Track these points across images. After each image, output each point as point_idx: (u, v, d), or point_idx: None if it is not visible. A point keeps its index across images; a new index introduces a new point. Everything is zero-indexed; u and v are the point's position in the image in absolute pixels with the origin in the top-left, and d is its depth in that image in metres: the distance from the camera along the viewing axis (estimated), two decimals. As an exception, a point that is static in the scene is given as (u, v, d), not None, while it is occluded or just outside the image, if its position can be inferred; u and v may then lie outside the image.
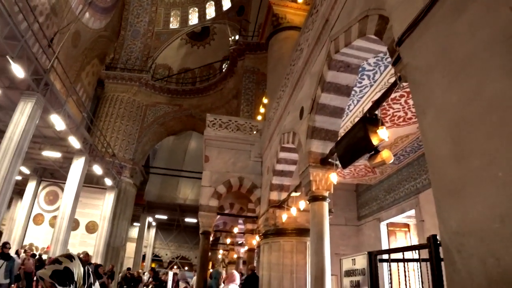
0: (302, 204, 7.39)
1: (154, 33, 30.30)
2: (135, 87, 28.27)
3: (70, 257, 1.85)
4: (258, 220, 10.47)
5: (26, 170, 22.37)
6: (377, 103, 4.27)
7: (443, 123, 2.38)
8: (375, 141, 3.96)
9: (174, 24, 30.61)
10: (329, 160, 5.73)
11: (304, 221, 8.61)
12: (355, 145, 4.34)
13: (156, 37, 30.41)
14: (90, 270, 1.87)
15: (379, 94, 5.56)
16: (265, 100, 16.19)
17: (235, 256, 18.95)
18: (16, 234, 21.01)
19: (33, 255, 14.63)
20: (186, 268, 32.70)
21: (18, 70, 11.56)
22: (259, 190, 10.86)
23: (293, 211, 8.00)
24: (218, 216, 15.90)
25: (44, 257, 16.18)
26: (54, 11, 21.03)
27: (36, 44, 14.43)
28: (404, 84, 3.84)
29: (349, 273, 4.37)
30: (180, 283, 12.43)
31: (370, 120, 4.08)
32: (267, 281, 8.59)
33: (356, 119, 7.01)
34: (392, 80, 4.74)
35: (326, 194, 5.81)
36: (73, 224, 20.88)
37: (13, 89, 13.44)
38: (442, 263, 2.69)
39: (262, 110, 18.05)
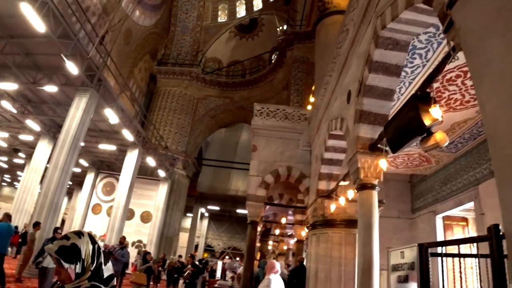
0: (351, 193, 7.04)
1: (203, 28, 30.72)
2: (186, 81, 28.90)
3: (79, 233, 1.73)
4: (307, 210, 10.22)
5: (84, 163, 23.75)
6: (429, 79, 3.87)
7: (503, 91, 2.06)
8: (427, 121, 3.57)
9: (222, 17, 30.84)
10: (378, 145, 5.37)
11: (353, 212, 8.25)
12: (405, 127, 3.97)
13: (205, 31, 30.81)
14: (101, 248, 1.76)
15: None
16: (313, 88, 15.83)
17: (285, 247, 18.81)
18: (76, 223, 22.36)
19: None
20: (238, 258, 33.12)
21: (72, 68, 12.17)
22: (308, 180, 10.59)
23: (342, 201, 7.68)
24: (268, 207, 15.90)
25: (101, 244, 16.93)
26: (105, 11, 21.87)
27: (89, 43, 15.07)
28: (456, 58, 3.43)
29: (396, 267, 4.02)
30: (227, 272, 12.59)
31: (421, 98, 3.67)
32: (314, 273, 8.33)
33: (409, 103, 6.54)
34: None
35: (375, 182, 5.45)
36: (128, 214, 21.89)
37: (69, 85, 14.19)
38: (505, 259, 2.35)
39: (312, 99, 17.68)
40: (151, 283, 12.54)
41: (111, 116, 15.29)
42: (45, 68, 14.09)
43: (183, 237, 31.48)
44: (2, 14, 11.36)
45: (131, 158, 19.03)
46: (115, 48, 24.35)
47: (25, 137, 21.08)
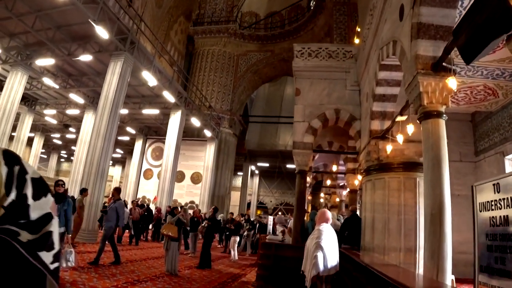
0: (411, 128, 6.08)
1: (237, -19, 29.26)
2: (224, 39, 28.03)
3: None
4: (359, 156, 9.34)
5: (132, 131, 24.16)
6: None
7: None
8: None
9: (255, -32, 29.14)
10: (443, 64, 4.38)
11: (412, 153, 7.30)
12: (485, 23, 2.99)
13: (239, -16, 29.34)
14: (29, 176, 0.98)
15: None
16: (358, 29, 14.38)
17: (337, 199, 18.09)
18: (130, 189, 23.01)
19: (141, 205, 15.67)
20: (289, 214, 33.08)
21: (102, 32, 11.84)
22: (358, 122, 9.61)
23: (400, 138, 6.74)
24: (317, 156, 15.12)
25: (152, 207, 17.30)
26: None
27: (119, 10, 14.70)
28: None
29: (489, 205, 3.14)
30: (278, 226, 12.20)
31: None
32: (370, 223, 7.56)
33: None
34: None
35: (442, 109, 4.50)
36: (179, 176, 22.19)
37: (103, 52, 13.96)
38: None
39: (356, 41, 16.34)
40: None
41: (149, 78, 15.06)
42: (78, 39, 13.91)
43: (235, 196, 31.78)
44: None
45: (174, 120, 18.95)
46: (147, 13, 23.86)
47: (72, 112, 21.59)
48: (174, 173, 18.63)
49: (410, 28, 4.76)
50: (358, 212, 9.76)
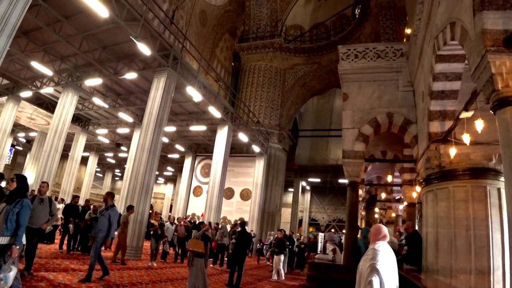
0: (480, 124, 5.11)
1: (278, -4, 29.08)
2: (270, 53, 27.80)
3: None
4: (417, 164, 8.34)
5: (181, 148, 24.46)
6: None
7: None
8: None
9: (296, -19, 28.83)
10: (519, 38, 3.53)
11: (480, 157, 6.30)
12: None
13: (281, -1, 29.15)
14: None
15: None
16: (408, 31, 13.37)
17: (393, 214, 16.70)
18: (180, 206, 22.99)
19: (190, 222, 15.38)
20: (344, 231, 31.50)
21: (144, 49, 11.90)
22: (415, 126, 8.62)
23: (465, 139, 5.78)
24: (370, 167, 14.04)
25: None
26: (178, -1, 21.68)
27: (161, 26, 14.92)
28: None
29: None
30: (328, 244, 11.20)
31: None
32: (433, 240, 6.50)
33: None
34: None
35: (522, 93, 3.62)
36: (228, 193, 21.92)
37: (146, 69, 14.09)
38: None
39: (408, 31, 15.35)
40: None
41: (194, 93, 14.99)
42: (123, 57, 14.16)
43: (286, 213, 30.94)
44: (72, 11, 11.40)
45: (221, 136, 18.76)
46: (192, 31, 24.24)
47: (122, 130, 22.15)
48: (222, 190, 18.30)
49: (471, 1, 3.94)
50: (416, 227, 8.64)
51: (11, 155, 36.26)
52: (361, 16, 24.37)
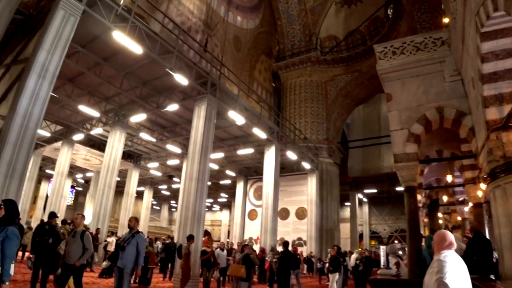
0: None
1: (308, 10, 28.98)
2: (308, 68, 27.66)
3: None
4: (478, 158, 7.56)
5: (232, 173, 24.60)
6: None
7: None
8: None
9: (322, -8, 28.69)
10: None
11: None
12: None
13: (311, 12, 28.99)
14: None
15: None
16: (446, 20, 12.60)
17: (458, 218, 15.34)
18: (236, 231, 22.84)
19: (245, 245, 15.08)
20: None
21: (181, 79, 12.14)
22: (469, 117, 7.87)
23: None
24: (426, 170, 13.10)
25: (256, 247, 16.70)
26: (207, 25, 22.16)
27: (200, 59, 15.33)
28: None
29: None
30: (390, 258, 10.33)
31: None
32: (509, 242, 5.73)
33: None
34: None
35: None
36: (283, 213, 21.50)
37: (187, 99, 14.34)
38: None
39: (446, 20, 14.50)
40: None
41: (236, 117, 15.04)
42: (163, 90, 14.52)
43: (345, 228, 29.86)
44: (109, 53, 11.91)
45: (269, 156, 18.60)
46: (228, 57, 24.63)
47: (172, 162, 22.62)
48: (276, 211, 17.97)
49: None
50: (487, 230, 7.73)
51: (73, 196, 38.39)
52: (394, 15, 23.62)
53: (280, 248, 13.38)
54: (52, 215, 7.16)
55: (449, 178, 12.20)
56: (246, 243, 10.60)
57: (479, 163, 7.63)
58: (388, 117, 9.31)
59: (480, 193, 10.27)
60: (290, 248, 10.90)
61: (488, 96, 6.16)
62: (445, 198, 14.84)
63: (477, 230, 7.09)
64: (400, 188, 28.54)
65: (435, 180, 15.33)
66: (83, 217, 6.59)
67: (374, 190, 33.09)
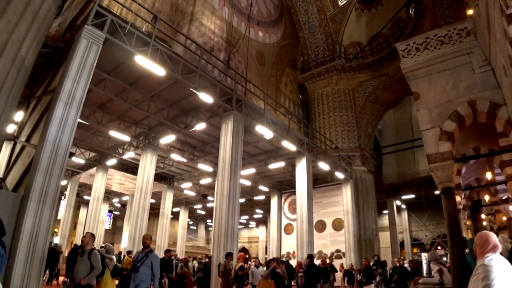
0: None
1: (328, 19, 29.03)
2: (334, 77, 27.48)
3: None
4: (520, 150, 7.12)
5: (265, 188, 24.48)
6: None
7: None
8: None
9: (341, 0, 28.57)
10: None
11: None
12: None
13: (332, 21, 29.02)
14: None
15: None
16: (470, 11, 12.15)
17: (504, 218, 14.41)
18: (273, 246, 22.56)
19: (282, 262, 14.79)
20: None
21: (205, 97, 12.29)
22: (505, 108, 7.41)
23: None
24: (464, 170, 12.44)
25: (293, 262, 16.39)
26: (229, 43, 22.43)
27: (226, 77, 15.53)
28: None
29: None
30: (432, 265, 9.74)
31: None
32: None
33: None
34: None
35: None
36: (320, 226, 21.13)
37: (213, 117, 14.48)
38: None
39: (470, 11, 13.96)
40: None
41: (264, 131, 14.98)
42: (190, 110, 14.73)
43: (385, 237, 28.91)
44: (134, 78, 12.24)
45: (301, 168, 18.37)
46: (253, 73, 24.78)
47: (205, 181, 22.77)
48: (311, 223, 17.63)
49: None
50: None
51: (111, 220, 39.30)
52: (417, 14, 23.14)
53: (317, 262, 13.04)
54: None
55: (489, 176, 11.54)
56: (271, 258, 10.31)
57: (521, 156, 7.17)
58: (418, 116, 8.96)
59: (526, 189, 9.65)
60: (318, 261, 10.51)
61: (522, 82, 5.79)
62: (487, 198, 14.03)
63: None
64: (438, 192, 27.55)
65: (474, 180, 14.55)
66: (92, 236, 6.54)
67: (412, 196, 31.96)
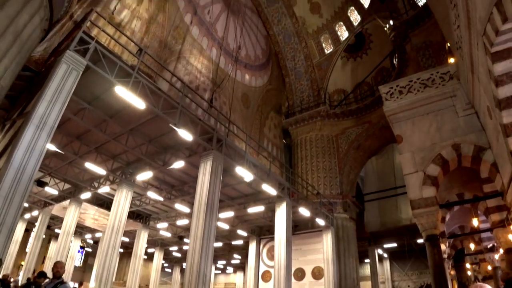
0: None
1: (315, 66, 29.80)
2: (318, 123, 27.66)
3: None
4: (505, 197, 6.91)
5: (243, 233, 23.74)
6: None
7: None
8: None
9: (328, 48, 29.50)
10: None
11: None
12: None
13: (318, 68, 29.75)
14: None
15: None
16: (451, 60, 12.43)
17: (489, 267, 14.11)
18: (250, 293, 21.55)
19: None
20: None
21: (185, 134, 11.97)
22: (490, 152, 7.29)
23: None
24: (448, 217, 12.19)
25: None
26: (215, 83, 22.64)
27: (209, 117, 15.32)
28: None
29: None
30: None
31: None
32: None
33: None
34: None
35: None
36: (299, 274, 20.32)
37: (193, 156, 14.10)
38: None
39: (451, 60, 14.40)
40: None
41: (244, 173, 14.57)
42: (169, 148, 14.35)
43: (366, 286, 28.00)
44: (115, 110, 11.87)
45: (280, 213, 17.84)
46: (237, 115, 24.85)
47: (182, 222, 21.98)
48: (289, 271, 16.90)
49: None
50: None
51: (82, 257, 37.37)
52: (400, 63, 23.82)
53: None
54: (41, 274, 6.61)
55: (475, 222, 11.28)
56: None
57: (507, 202, 6.97)
58: (400, 160, 8.78)
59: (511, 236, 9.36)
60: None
61: (508, 124, 5.64)
62: (472, 247, 13.71)
63: (509, 280, 6.25)
64: (421, 240, 27.16)
65: (458, 227, 14.31)
66: (60, 266, 5.90)
67: (394, 244, 31.46)
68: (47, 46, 11.77)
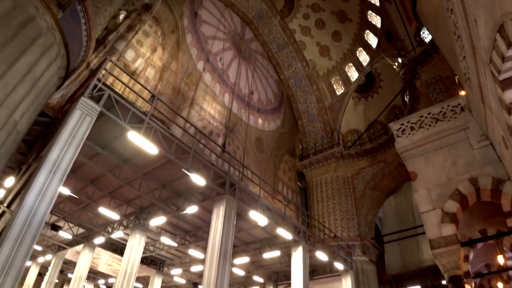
0: None
1: (327, 108, 30.20)
2: (333, 164, 27.54)
3: None
4: (531, 230, 6.58)
5: (260, 279, 22.95)
6: None
7: None
8: None
9: (339, 89, 30.05)
10: None
11: None
12: None
13: (330, 109, 30.14)
14: None
15: None
16: (462, 92, 12.39)
17: None
18: None
19: None
20: None
21: (197, 179, 11.96)
22: (509, 184, 7.02)
23: None
24: (471, 255, 11.60)
25: None
26: (228, 128, 22.92)
27: (223, 162, 15.37)
28: None
29: None
30: None
31: None
32: None
33: None
34: None
35: None
36: (319, 321, 19.35)
37: (206, 201, 14.01)
38: None
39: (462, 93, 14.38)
40: None
41: (258, 217, 14.33)
42: (183, 193, 14.29)
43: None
44: (129, 155, 12.03)
45: (297, 258, 17.32)
46: (251, 159, 24.88)
47: (196, 268, 21.51)
48: (308, 318, 16.16)
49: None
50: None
51: (95, 303, 36.46)
52: (411, 100, 23.88)
53: None
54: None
55: (500, 260, 10.70)
56: None
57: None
58: (416, 198, 8.54)
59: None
60: None
61: (524, 153, 5.49)
62: (500, 286, 12.94)
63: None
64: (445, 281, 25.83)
65: (484, 266, 13.59)
66: None
67: (418, 287, 30.01)
68: (64, 93, 12.19)
